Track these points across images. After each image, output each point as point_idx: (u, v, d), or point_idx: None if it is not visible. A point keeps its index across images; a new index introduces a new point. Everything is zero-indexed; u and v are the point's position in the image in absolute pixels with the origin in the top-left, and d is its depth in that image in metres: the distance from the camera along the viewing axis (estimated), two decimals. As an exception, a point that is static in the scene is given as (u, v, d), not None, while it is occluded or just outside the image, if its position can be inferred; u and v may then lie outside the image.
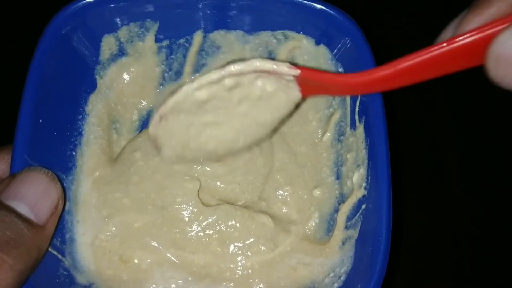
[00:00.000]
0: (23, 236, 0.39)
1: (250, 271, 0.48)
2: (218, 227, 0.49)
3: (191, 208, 0.49)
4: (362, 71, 0.38)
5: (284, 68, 0.40)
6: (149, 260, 0.49)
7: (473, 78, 0.39)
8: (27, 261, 0.39)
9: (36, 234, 0.40)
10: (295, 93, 0.42)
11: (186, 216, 0.49)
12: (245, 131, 0.44)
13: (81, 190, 0.49)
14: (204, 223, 0.49)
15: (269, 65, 0.40)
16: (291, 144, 0.52)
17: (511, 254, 0.65)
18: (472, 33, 0.32)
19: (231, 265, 0.49)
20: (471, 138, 0.70)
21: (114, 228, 0.49)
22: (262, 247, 0.49)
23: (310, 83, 0.41)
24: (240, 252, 0.49)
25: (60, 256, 0.45)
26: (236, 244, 0.49)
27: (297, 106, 0.43)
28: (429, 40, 0.37)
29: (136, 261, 0.49)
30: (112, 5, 0.48)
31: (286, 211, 0.50)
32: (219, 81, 0.41)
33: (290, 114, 0.45)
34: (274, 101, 0.42)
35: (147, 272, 0.49)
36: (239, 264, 0.49)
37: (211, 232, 0.49)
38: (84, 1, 0.46)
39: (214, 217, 0.49)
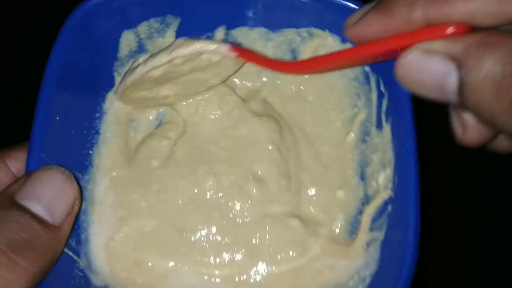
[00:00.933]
0: (38, 237, 0.37)
1: (276, 278, 0.47)
2: (246, 241, 0.47)
3: (216, 235, 0.48)
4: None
5: (223, 49, 0.44)
6: (164, 267, 0.47)
7: None
8: (41, 264, 0.37)
9: (51, 235, 0.39)
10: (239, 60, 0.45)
11: (209, 240, 0.48)
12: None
13: (98, 189, 0.48)
14: (230, 239, 0.48)
15: (210, 47, 0.44)
16: (315, 144, 0.50)
17: (511, 254, 0.65)
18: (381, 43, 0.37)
19: (257, 274, 0.47)
20: None
21: (128, 230, 0.48)
22: (292, 253, 0.47)
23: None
24: (268, 259, 0.47)
25: (75, 257, 0.44)
26: (265, 252, 0.47)
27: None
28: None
29: (150, 264, 0.47)
30: (132, 0, 0.46)
31: (313, 212, 0.49)
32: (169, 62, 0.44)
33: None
34: (221, 66, 0.46)
35: (162, 277, 0.47)
36: (265, 271, 0.47)
37: (237, 247, 0.48)
38: (99, -3, 0.45)
39: (242, 232, 0.48)
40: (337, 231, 0.48)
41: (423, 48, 0.34)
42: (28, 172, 0.41)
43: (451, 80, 0.33)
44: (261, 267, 0.47)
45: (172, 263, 0.47)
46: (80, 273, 0.44)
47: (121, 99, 0.49)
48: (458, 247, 0.65)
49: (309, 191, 0.49)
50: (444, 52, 0.33)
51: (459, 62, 0.33)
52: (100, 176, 0.48)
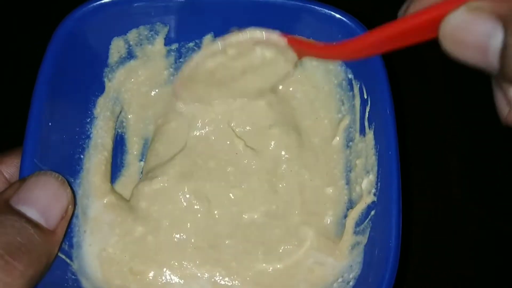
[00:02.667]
0: (33, 241, 0.38)
1: (271, 277, 0.48)
2: (244, 240, 0.49)
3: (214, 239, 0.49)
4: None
5: (274, 37, 0.45)
6: (161, 278, 0.48)
7: (472, 78, 0.40)
8: (37, 268, 0.38)
9: (46, 239, 0.39)
10: (292, 54, 0.46)
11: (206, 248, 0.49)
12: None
13: (91, 207, 0.48)
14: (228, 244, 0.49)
15: (259, 34, 0.46)
16: (304, 134, 0.52)
17: (511, 254, 0.65)
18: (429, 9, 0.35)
19: (255, 275, 0.48)
20: (471, 138, 0.70)
21: (123, 243, 0.48)
22: (288, 246, 0.48)
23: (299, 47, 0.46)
24: (266, 257, 0.49)
25: (68, 260, 0.45)
26: (260, 250, 0.49)
27: (296, 65, 0.48)
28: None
29: (146, 274, 0.48)
30: (123, 8, 0.48)
31: (306, 198, 0.50)
32: (222, 51, 0.46)
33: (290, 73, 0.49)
34: (274, 65, 0.47)
35: (160, 286, 0.48)
36: (264, 270, 0.48)
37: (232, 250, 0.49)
38: (95, 4, 0.46)
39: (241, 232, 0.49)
40: (328, 222, 0.50)
41: (471, 6, 0.32)
42: (23, 178, 0.42)
43: (495, 41, 0.31)
44: (259, 267, 0.48)
45: (168, 274, 0.48)
46: (73, 276, 0.45)
47: (176, 92, 0.50)
48: (458, 247, 0.65)
49: (299, 176, 0.51)
50: (491, 11, 0.31)
51: (505, 23, 0.31)
52: (90, 186, 0.49)
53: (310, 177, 0.51)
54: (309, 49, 0.45)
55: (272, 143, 0.51)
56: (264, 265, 0.48)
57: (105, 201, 0.49)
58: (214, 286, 0.48)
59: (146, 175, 0.51)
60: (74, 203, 0.44)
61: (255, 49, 0.46)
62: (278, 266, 0.48)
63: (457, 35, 0.33)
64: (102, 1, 0.46)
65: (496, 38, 0.31)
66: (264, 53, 0.46)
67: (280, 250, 0.48)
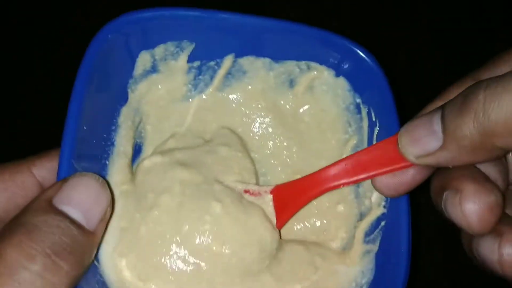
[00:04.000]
0: (77, 242, 0.39)
1: None
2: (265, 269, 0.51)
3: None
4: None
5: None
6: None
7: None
8: (80, 268, 0.39)
9: (88, 240, 0.40)
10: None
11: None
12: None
13: None
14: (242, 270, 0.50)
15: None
16: (311, 159, 0.56)
17: None
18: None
19: None
20: None
21: (128, 242, 0.49)
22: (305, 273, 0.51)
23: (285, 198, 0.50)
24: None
25: (96, 263, 0.46)
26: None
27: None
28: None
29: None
30: (158, 23, 0.50)
31: (318, 224, 0.54)
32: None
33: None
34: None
35: None
36: None
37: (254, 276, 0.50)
38: (135, 16, 0.48)
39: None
40: (337, 243, 0.54)
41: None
42: (64, 178, 0.42)
43: None
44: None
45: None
46: (101, 278, 0.46)
47: None
48: (458, 247, 0.68)
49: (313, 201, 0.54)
50: None
51: None
52: (113, 187, 0.50)
53: (317, 203, 0.55)
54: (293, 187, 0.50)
55: None
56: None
57: (122, 188, 0.50)
58: None
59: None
60: (113, 206, 0.45)
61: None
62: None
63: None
64: (142, 15, 0.49)
65: None
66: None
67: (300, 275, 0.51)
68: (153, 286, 0.48)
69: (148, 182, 0.51)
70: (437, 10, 0.88)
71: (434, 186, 0.45)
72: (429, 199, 0.45)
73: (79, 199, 0.41)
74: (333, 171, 0.48)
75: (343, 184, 0.48)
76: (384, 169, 0.45)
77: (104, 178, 0.48)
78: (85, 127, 0.46)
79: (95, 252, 0.42)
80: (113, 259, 0.48)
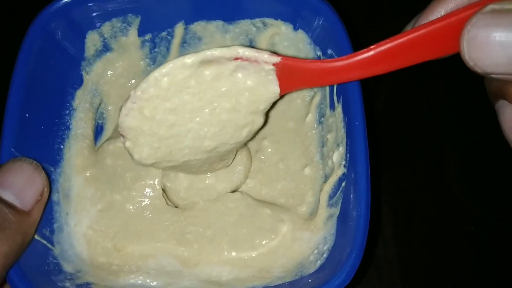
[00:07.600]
0: (7, 220, 0.40)
1: (254, 259, 0.49)
2: (225, 232, 0.50)
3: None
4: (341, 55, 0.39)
5: (264, 56, 0.41)
6: (143, 252, 0.50)
7: (471, 78, 0.40)
8: (11, 245, 0.40)
9: (21, 219, 0.42)
10: (274, 88, 0.42)
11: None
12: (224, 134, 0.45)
13: (73, 185, 0.51)
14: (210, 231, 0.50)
15: (250, 52, 0.40)
16: (278, 121, 0.53)
17: (511, 254, 0.65)
18: (446, 16, 0.34)
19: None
20: (469, 138, 0.69)
21: (108, 220, 0.50)
22: (264, 241, 0.49)
23: (289, 73, 0.41)
24: (247, 247, 0.50)
25: (49, 245, 0.47)
26: (243, 240, 0.50)
27: (273, 104, 0.44)
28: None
29: (130, 250, 0.50)
30: (94, 2, 0.49)
31: (286, 188, 0.52)
32: (197, 66, 0.41)
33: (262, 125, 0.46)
34: (254, 96, 0.43)
35: (140, 261, 0.50)
36: (245, 256, 0.49)
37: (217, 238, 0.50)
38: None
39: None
40: (304, 208, 0.51)
41: (493, 9, 0.30)
42: None
43: None
44: (241, 253, 0.49)
45: (151, 249, 0.50)
46: (54, 260, 0.47)
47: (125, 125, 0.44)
48: (458, 247, 0.65)
49: (279, 165, 0.52)
50: None
51: None
52: (72, 170, 0.50)
53: (286, 167, 0.52)
54: (302, 67, 0.41)
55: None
56: (234, 254, 0.49)
57: (87, 174, 0.51)
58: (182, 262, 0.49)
59: (113, 133, 0.53)
60: (50, 188, 0.45)
61: (237, 74, 0.42)
62: (253, 255, 0.49)
63: (483, 40, 0.30)
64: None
65: None
66: (246, 78, 0.42)
67: (256, 242, 0.49)
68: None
69: (121, 165, 0.51)
70: None
71: (495, 87, 0.37)
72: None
73: (11, 182, 0.42)
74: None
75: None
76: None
77: (58, 162, 0.50)
78: (27, 115, 0.46)
79: (33, 230, 0.44)
80: (87, 237, 0.50)
